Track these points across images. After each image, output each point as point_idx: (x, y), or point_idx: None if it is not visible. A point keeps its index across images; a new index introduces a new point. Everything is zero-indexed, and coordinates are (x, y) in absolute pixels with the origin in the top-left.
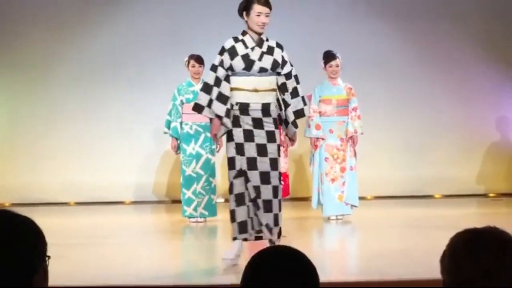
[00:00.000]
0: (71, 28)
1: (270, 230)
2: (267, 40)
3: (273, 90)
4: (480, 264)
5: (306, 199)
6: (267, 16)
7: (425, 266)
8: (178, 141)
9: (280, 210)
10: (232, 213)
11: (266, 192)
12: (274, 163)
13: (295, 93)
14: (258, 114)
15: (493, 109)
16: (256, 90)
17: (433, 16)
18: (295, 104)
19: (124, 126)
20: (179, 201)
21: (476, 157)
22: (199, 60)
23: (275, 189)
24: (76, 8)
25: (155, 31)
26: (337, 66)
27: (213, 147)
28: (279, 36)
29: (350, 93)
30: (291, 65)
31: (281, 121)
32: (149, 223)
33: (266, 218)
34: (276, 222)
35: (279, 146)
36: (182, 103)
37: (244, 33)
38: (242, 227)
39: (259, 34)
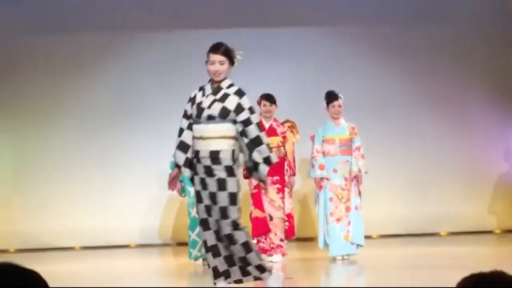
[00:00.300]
0: (74, 75)
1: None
2: (229, 87)
3: (224, 137)
4: None
5: (312, 239)
6: (221, 63)
7: None
8: (183, 183)
9: (247, 252)
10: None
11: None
12: (223, 212)
13: (258, 141)
14: (207, 162)
15: (497, 143)
16: (202, 138)
17: (434, 53)
18: (261, 151)
19: (129, 170)
20: (184, 243)
21: (481, 193)
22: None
23: (229, 237)
24: (77, 56)
25: (157, 75)
26: (340, 106)
27: None
28: (280, 78)
29: (353, 132)
30: (252, 112)
31: (248, 168)
32: (155, 266)
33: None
34: (247, 263)
35: (233, 194)
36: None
37: (209, 81)
38: (216, 273)
39: (217, 82)
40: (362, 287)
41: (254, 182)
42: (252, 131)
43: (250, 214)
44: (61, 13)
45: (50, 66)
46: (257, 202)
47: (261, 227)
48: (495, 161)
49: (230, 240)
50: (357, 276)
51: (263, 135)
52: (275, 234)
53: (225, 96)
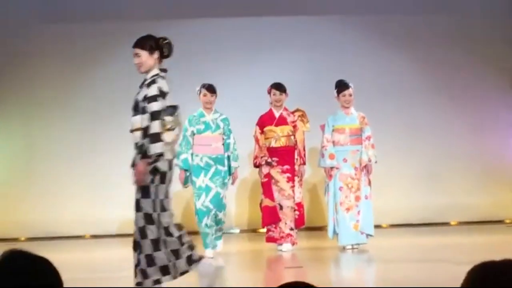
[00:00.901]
0: (84, 66)
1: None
2: (153, 81)
3: (138, 130)
4: None
5: (322, 228)
6: (136, 55)
7: None
8: (188, 173)
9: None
10: None
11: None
12: (136, 205)
13: (146, 132)
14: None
15: (508, 134)
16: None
17: (447, 44)
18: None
19: None
20: (193, 232)
21: (491, 183)
22: (211, 89)
23: (140, 230)
24: (88, 46)
25: (169, 65)
26: (350, 95)
27: (225, 180)
28: (290, 67)
29: (363, 122)
30: (154, 100)
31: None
32: None
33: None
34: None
35: (143, 187)
36: (193, 134)
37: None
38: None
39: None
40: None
41: (265, 171)
42: (146, 120)
43: (260, 203)
44: (71, 3)
45: (60, 57)
46: (267, 191)
47: (271, 216)
48: (505, 151)
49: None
50: (367, 265)
51: (154, 124)
52: (285, 223)
53: (141, 88)
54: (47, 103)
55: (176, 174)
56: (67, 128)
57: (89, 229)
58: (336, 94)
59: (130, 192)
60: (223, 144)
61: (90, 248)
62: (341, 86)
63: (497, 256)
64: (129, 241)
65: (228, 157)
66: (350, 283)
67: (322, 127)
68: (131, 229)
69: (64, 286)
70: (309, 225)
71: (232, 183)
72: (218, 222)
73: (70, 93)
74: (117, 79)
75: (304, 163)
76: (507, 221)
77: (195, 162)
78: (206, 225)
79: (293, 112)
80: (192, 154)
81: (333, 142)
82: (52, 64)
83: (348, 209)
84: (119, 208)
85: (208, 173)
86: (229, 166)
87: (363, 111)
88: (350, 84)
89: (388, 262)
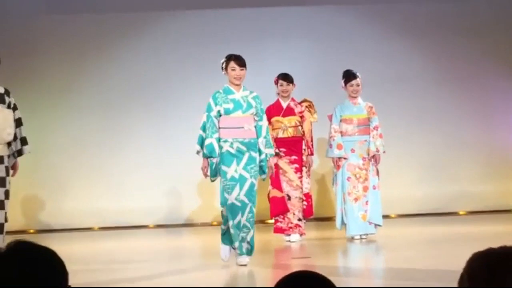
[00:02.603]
0: (92, 55)
1: None
2: None
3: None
4: (500, 286)
5: (330, 219)
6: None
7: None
8: (216, 160)
9: None
10: None
11: None
12: None
13: None
14: None
15: None
16: None
17: (452, 32)
18: None
19: (147, 151)
20: (207, 224)
21: (499, 173)
22: (241, 61)
23: None
24: (95, 36)
25: (175, 55)
26: (358, 85)
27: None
28: (297, 57)
29: (371, 112)
30: None
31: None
32: (176, 246)
33: None
34: None
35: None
36: (219, 114)
37: None
38: None
39: None
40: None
41: (272, 161)
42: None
43: (268, 194)
44: None
45: (67, 46)
46: (275, 182)
47: (279, 206)
48: None
49: None
50: (375, 255)
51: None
52: (293, 214)
53: None
54: (51, 95)
55: (190, 163)
56: (74, 119)
57: (98, 221)
58: (343, 84)
59: (137, 183)
60: (255, 127)
61: (99, 240)
62: (349, 76)
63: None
64: (137, 233)
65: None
66: (358, 273)
67: (330, 117)
68: (138, 220)
69: (71, 277)
70: (318, 215)
71: (270, 175)
72: (251, 220)
73: (76, 83)
74: (121, 70)
75: (312, 154)
76: None
77: (224, 149)
78: (238, 224)
79: (300, 103)
80: (219, 139)
81: (341, 132)
82: (55, 55)
83: (356, 199)
84: (128, 199)
85: (241, 161)
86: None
87: (370, 101)
88: (358, 74)
89: (396, 252)
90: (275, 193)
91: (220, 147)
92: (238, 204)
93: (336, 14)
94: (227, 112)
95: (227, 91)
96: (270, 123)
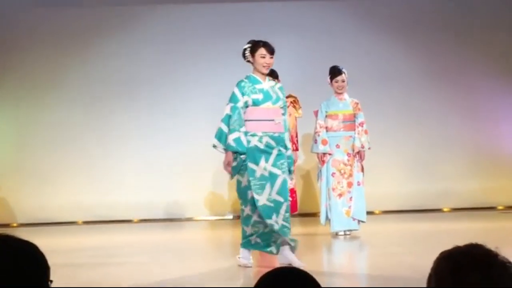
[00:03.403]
0: (77, 49)
1: None
2: None
3: None
4: (465, 284)
5: (314, 214)
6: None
7: None
8: (243, 157)
9: None
10: None
11: None
12: None
13: None
14: None
15: (500, 122)
16: None
17: (440, 30)
18: None
19: (131, 146)
20: (192, 219)
21: (484, 170)
22: (271, 48)
23: None
24: (81, 30)
25: (161, 49)
26: (343, 81)
27: (291, 166)
28: (286, 53)
29: (356, 108)
30: None
31: None
32: (159, 241)
33: None
34: None
35: None
36: (246, 105)
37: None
38: None
39: None
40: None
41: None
42: None
43: None
44: None
45: (54, 40)
46: None
47: None
48: (498, 137)
49: None
50: (358, 251)
51: None
52: None
53: None
54: (38, 88)
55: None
56: (59, 113)
57: (82, 215)
58: (329, 80)
59: (122, 178)
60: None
61: (83, 234)
62: (334, 72)
63: (489, 243)
64: (121, 227)
65: None
66: (342, 268)
67: (316, 113)
68: (122, 215)
69: (54, 271)
70: (302, 211)
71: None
72: (289, 219)
73: (61, 78)
74: (108, 63)
75: (296, 149)
76: (500, 207)
77: (252, 144)
78: (276, 225)
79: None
80: (245, 133)
81: (326, 128)
82: (42, 48)
83: (340, 195)
84: (111, 194)
85: (270, 157)
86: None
87: (356, 97)
88: (344, 70)
89: (380, 248)
90: None
91: (248, 142)
92: (271, 204)
93: (323, 10)
94: (256, 103)
95: (254, 80)
96: None
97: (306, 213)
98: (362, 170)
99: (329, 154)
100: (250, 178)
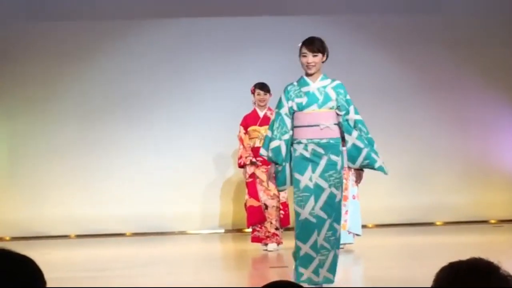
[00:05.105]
0: (72, 62)
1: None
2: None
3: None
4: None
5: None
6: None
7: None
8: (279, 169)
9: None
10: None
11: None
12: None
13: None
14: None
15: (492, 135)
16: None
17: (432, 43)
18: None
19: (126, 158)
20: (185, 233)
21: (476, 184)
22: (313, 46)
23: None
24: (75, 43)
25: (155, 62)
26: None
27: (342, 176)
28: (279, 66)
29: None
30: None
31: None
32: (152, 255)
33: None
34: None
35: None
36: (292, 111)
37: None
38: None
39: None
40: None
41: (250, 171)
42: None
43: (245, 203)
44: (57, 1)
45: (48, 53)
46: (252, 191)
47: (257, 215)
48: (490, 151)
49: None
50: (352, 265)
51: None
52: (270, 223)
53: None
54: (32, 101)
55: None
56: (52, 126)
57: (75, 228)
58: None
59: (114, 191)
60: (337, 124)
61: (75, 248)
62: None
63: (483, 256)
64: (114, 241)
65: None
66: (336, 282)
67: None
68: (115, 228)
69: (48, 285)
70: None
71: (359, 182)
72: (337, 243)
73: (55, 91)
74: (101, 76)
75: None
76: (492, 221)
77: (298, 152)
78: (315, 244)
79: None
80: (289, 141)
81: None
82: (37, 61)
83: None
84: (104, 207)
85: (318, 167)
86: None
87: None
88: None
89: (374, 261)
90: (252, 202)
91: (294, 150)
92: (313, 220)
93: (314, 25)
94: (300, 107)
95: (302, 83)
96: (247, 132)
97: None
98: (357, 183)
99: None
100: (294, 190)
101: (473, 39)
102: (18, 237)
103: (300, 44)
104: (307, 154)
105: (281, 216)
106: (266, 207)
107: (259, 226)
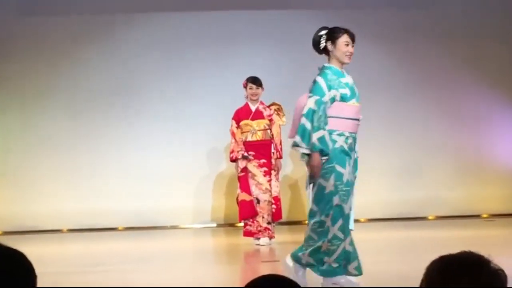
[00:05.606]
0: (63, 57)
1: None
2: None
3: None
4: None
5: (301, 222)
6: None
7: None
8: (324, 159)
9: None
10: None
11: None
12: None
13: None
14: None
15: (486, 130)
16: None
17: (426, 38)
18: None
19: (117, 152)
20: (177, 227)
21: (469, 178)
22: (354, 37)
23: None
24: (68, 38)
25: (148, 57)
26: None
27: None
28: (272, 60)
29: None
30: None
31: None
32: (145, 249)
33: None
34: None
35: None
36: (332, 101)
37: None
38: None
39: None
40: None
41: (242, 165)
42: None
43: (237, 197)
44: None
45: (40, 48)
46: (244, 185)
47: (248, 210)
48: (483, 145)
49: None
50: None
51: None
52: (262, 217)
53: None
54: (24, 96)
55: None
56: (43, 121)
57: (66, 223)
58: None
59: (106, 186)
60: None
61: (66, 242)
62: None
63: (472, 250)
64: (106, 235)
65: None
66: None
67: None
68: (107, 223)
69: (40, 280)
70: (290, 219)
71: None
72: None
73: (47, 86)
74: (93, 71)
75: (280, 157)
76: (484, 215)
77: (338, 144)
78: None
79: (269, 106)
80: (330, 132)
81: None
82: (27, 57)
83: None
84: (96, 201)
85: (351, 161)
86: None
87: None
88: None
89: (365, 255)
90: (244, 196)
91: (333, 142)
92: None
93: (306, 19)
94: (345, 98)
95: (337, 73)
96: (239, 126)
97: (293, 221)
98: None
99: None
100: (337, 183)
101: (466, 34)
102: (10, 231)
103: (340, 32)
104: (345, 147)
105: (273, 210)
106: (258, 201)
107: (251, 220)
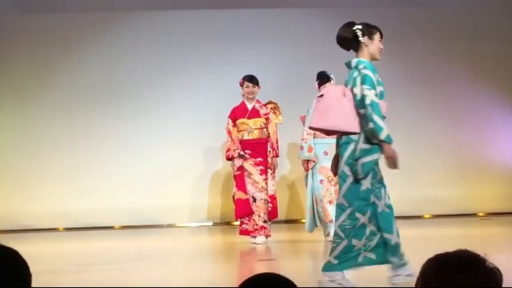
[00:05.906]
0: (60, 53)
1: None
2: None
3: None
4: (451, 286)
5: (298, 221)
6: None
7: None
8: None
9: None
10: None
11: None
12: None
13: None
14: None
15: (482, 129)
16: None
17: (422, 37)
18: None
19: (113, 152)
20: (173, 226)
21: (465, 177)
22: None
23: None
24: (64, 34)
25: (143, 54)
26: None
27: None
28: (268, 59)
29: None
30: None
31: None
32: (141, 248)
33: None
34: None
35: None
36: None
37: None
38: None
39: None
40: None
41: (238, 163)
42: None
43: (233, 196)
44: None
45: (36, 44)
46: (240, 184)
47: (244, 208)
48: (480, 144)
49: None
50: None
51: None
52: (259, 216)
53: None
54: (18, 93)
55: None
56: (40, 119)
57: (62, 221)
58: (317, 86)
59: (103, 184)
60: None
61: (63, 241)
62: (323, 78)
63: (468, 248)
64: (102, 234)
65: None
66: (322, 275)
67: (303, 118)
68: (104, 221)
69: (35, 278)
70: (288, 217)
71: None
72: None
73: (43, 83)
74: (90, 69)
75: (277, 156)
76: (480, 214)
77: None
78: (398, 231)
79: (265, 105)
80: None
81: (314, 134)
82: (24, 54)
83: (330, 202)
84: (93, 200)
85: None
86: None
87: None
88: (332, 76)
89: None
90: (240, 195)
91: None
92: (388, 210)
93: (302, 18)
94: (382, 95)
95: (373, 70)
96: (235, 125)
97: (291, 219)
98: None
99: (313, 161)
100: (373, 181)
101: (466, 34)
102: (5, 230)
103: (375, 28)
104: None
105: (269, 209)
106: (254, 200)
107: (247, 219)
